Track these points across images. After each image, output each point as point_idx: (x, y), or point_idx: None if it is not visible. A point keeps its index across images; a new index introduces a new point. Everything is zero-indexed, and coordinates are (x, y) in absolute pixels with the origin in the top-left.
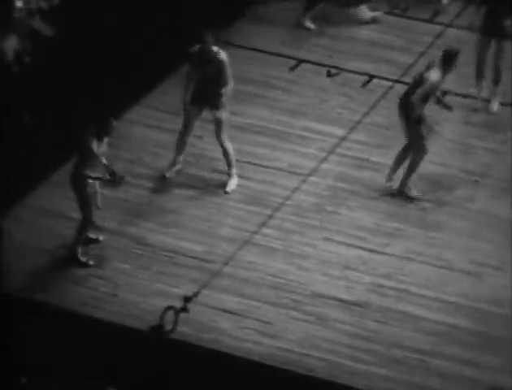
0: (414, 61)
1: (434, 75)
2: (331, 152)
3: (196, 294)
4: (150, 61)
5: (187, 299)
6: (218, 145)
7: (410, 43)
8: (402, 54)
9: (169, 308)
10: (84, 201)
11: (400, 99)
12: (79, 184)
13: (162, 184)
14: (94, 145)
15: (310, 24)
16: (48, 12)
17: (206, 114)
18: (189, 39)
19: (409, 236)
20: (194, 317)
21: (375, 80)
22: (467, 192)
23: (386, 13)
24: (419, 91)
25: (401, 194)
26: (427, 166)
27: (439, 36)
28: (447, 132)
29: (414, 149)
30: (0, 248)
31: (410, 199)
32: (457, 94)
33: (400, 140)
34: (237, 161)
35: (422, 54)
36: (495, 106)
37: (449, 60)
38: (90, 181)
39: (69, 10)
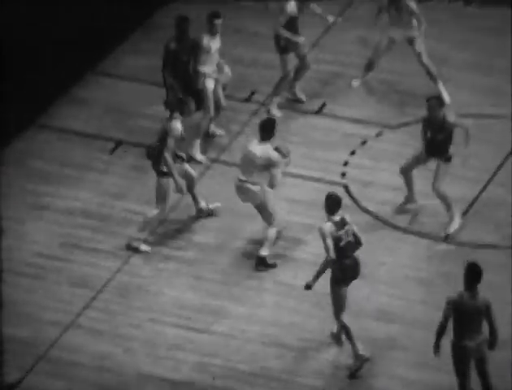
0: (229, 140)
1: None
2: (152, 232)
3: (20, 380)
4: None
5: (11, 387)
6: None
7: (226, 123)
8: (220, 133)
9: None
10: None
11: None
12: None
13: None
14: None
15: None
16: None
17: None
18: None
19: (233, 314)
20: None
21: (194, 162)
22: (290, 270)
23: None
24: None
25: None
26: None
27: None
28: None
29: None
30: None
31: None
32: None
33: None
34: (60, 244)
35: (237, 135)
36: None
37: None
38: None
39: None
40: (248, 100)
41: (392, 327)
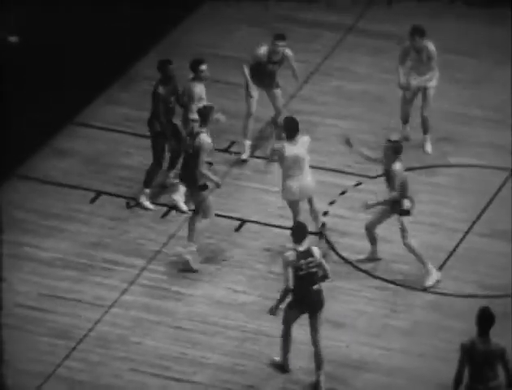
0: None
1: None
2: (132, 283)
3: None
4: None
5: None
6: None
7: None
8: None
9: None
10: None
11: None
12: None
13: None
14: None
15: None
16: None
17: None
18: None
19: (215, 364)
20: None
21: (173, 211)
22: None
23: None
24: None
25: None
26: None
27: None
28: None
29: None
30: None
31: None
32: None
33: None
34: (40, 294)
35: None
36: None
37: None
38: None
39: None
40: (227, 150)
41: (372, 376)
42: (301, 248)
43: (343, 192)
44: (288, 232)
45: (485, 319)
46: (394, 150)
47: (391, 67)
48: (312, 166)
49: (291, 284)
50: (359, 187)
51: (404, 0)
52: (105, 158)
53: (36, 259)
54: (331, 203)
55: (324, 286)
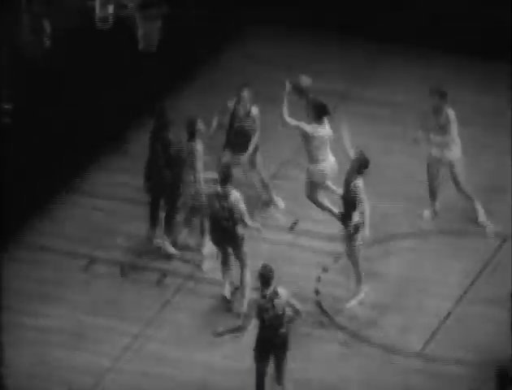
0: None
1: None
2: (126, 349)
3: None
4: None
5: None
6: None
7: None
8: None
9: None
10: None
11: None
12: None
13: None
14: None
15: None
16: None
17: None
18: None
19: None
20: None
21: (168, 277)
22: None
23: None
24: None
25: None
26: None
27: None
28: None
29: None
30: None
31: None
32: None
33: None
34: (36, 363)
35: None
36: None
37: None
38: None
39: None
40: None
41: None
42: (268, 291)
43: (337, 259)
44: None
45: (503, 379)
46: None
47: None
48: (306, 232)
49: (247, 325)
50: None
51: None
52: (101, 225)
53: (31, 326)
54: (325, 270)
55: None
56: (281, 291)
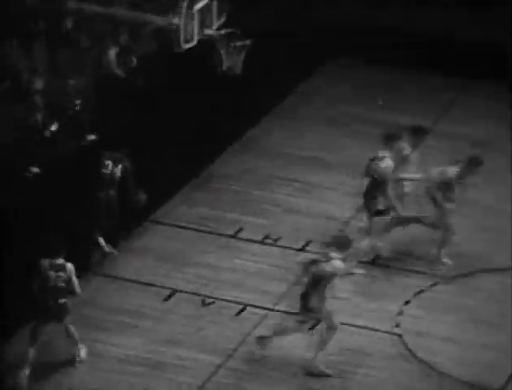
0: (287, 289)
1: None
2: (207, 381)
3: None
4: None
5: None
6: None
7: (284, 272)
8: (276, 283)
9: None
10: None
11: None
12: None
13: None
14: None
15: None
16: None
17: None
18: None
19: None
20: None
21: (248, 309)
22: None
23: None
24: None
25: None
26: None
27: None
28: None
29: None
30: None
31: None
32: None
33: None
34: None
35: (295, 283)
36: None
37: None
38: None
39: None
40: (302, 249)
41: None
42: (58, 261)
43: (419, 292)
44: None
45: None
46: None
47: None
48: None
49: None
50: (435, 288)
51: None
52: (180, 256)
53: (108, 355)
54: (406, 303)
55: None
56: (68, 265)
